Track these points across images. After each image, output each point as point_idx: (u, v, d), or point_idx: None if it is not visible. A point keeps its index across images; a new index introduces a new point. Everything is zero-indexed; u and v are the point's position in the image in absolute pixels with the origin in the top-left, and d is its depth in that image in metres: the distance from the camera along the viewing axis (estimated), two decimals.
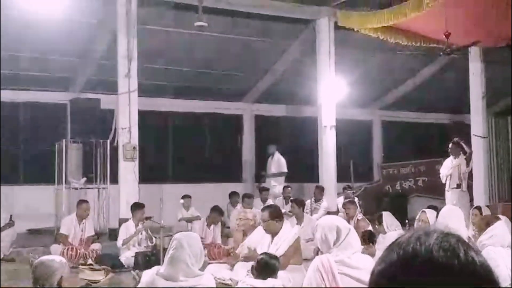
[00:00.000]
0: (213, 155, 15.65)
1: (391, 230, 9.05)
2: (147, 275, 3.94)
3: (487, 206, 10.22)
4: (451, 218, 6.24)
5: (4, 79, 12.95)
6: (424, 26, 10.67)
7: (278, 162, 14.23)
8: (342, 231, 3.73)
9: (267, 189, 13.26)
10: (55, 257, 4.13)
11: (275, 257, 5.42)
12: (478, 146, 13.12)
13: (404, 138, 17.72)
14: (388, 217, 9.45)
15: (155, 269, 3.89)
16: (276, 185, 13.90)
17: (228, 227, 11.56)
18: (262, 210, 7.46)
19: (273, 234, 7.11)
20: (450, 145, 11.75)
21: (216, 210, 10.47)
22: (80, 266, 8.09)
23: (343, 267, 3.69)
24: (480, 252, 1.02)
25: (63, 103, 13.42)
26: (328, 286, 3.61)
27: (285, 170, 14.19)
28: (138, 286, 4.01)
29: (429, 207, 9.10)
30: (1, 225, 10.44)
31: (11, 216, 10.75)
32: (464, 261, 0.98)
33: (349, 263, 3.71)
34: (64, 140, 11.98)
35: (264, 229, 7.14)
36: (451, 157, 11.64)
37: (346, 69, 13.40)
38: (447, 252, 0.98)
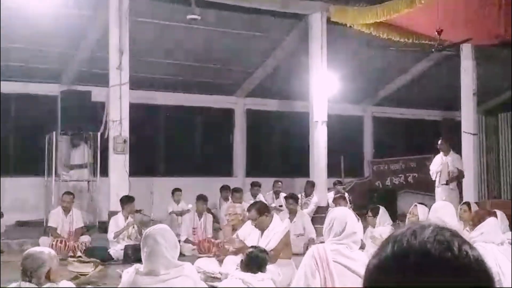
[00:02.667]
0: (204, 149, 15.63)
1: (382, 226, 9.10)
2: (128, 274, 3.93)
3: (476, 202, 10.27)
4: (444, 213, 6.28)
5: None
6: (416, 22, 10.70)
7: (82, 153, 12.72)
8: (348, 224, 3.88)
9: (259, 184, 13.26)
10: (44, 249, 4.11)
11: (265, 251, 5.43)
12: (469, 143, 13.20)
13: (395, 134, 17.77)
14: (383, 213, 9.49)
15: (134, 267, 3.87)
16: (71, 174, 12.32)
17: (218, 222, 11.57)
18: (248, 209, 7.47)
19: (263, 229, 7.13)
20: (440, 142, 11.80)
21: (200, 198, 10.51)
22: (69, 258, 8.07)
23: (338, 256, 3.78)
24: (474, 247, 1.02)
25: (54, 95, 13.33)
26: (322, 273, 3.67)
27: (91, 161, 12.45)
28: (119, 286, 3.99)
29: (421, 203, 9.15)
30: None
31: None
32: (459, 255, 0.98)
33: (344, 253, 3.80)
34: (54, 132, 11.91)
35: (255, 227, 7.16)
36: (441, 153, 11.69)
37: (338, 64, 13.41)
38: (441, 245, 0.98)
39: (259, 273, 5.00)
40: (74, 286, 4.09)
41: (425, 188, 13.90)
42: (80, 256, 8.30)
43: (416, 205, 7.55)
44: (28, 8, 10.94)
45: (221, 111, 15.96)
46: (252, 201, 10.86)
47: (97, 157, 11.90)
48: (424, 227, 1.03)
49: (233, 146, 16.11)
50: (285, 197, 11.08)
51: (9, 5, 10.97)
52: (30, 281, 3.79)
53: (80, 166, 12.39)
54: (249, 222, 7.48)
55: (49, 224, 9.92)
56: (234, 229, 8.15)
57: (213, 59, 14.10)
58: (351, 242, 3.91)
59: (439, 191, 11.57)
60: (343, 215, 3.96)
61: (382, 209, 9.46)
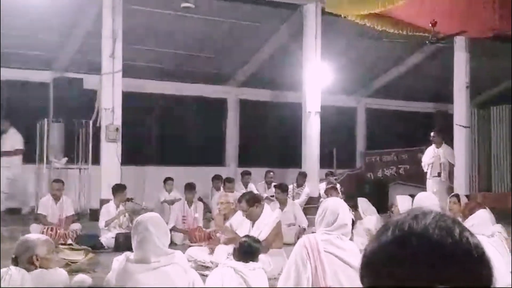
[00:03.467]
0: (196, 138, 15.58)
1: (367, 215, 9.16)
2: (118, 262, 3.92)
3: (467, 195, 10.32)
4: (426, 203, 6.30)
5: None
6: (411, 14, 10.67)
7: (12, 138, 12.33)
8: (340, 216, 3.90)
9: (249, 173, 13.26)
10: (37, 235, 4.11)
11: (258, 241, 5.44)
12: (461, 136, 13.24)
13: (388, 126, 17.80)
14: (363, 203, 9.54)
15: (124, 255, 3.86)
16: (10, 167, 11.96)
17: (210, 212, 11.57)
18: (239, 200, 7.48)
19: (254, 219, 7.14)
20: (432, 134, 11.83)
21: (188, 187, 10.50)
22: (60, 246, 8.04)
23: (329, 246, 3.80)
24: (474, 234, 1.02)
25: (46, 82, 13.26)
26: (313, 262, 3.70)
27: (21, 147, 12.11)
28: (110, 274, 3.98)
29: (410, 195, 9.19)
30: None
31: None
32: (459, 241, 0.99)
33: (335, 243, 3.83)
34: (46, 120, 11.85)
35: (246, 218, 7.16)
36: (433, 145, 11.73)
37: (332, 55, 13.39)
38: (442, 231, 0.98)
39: (251, 262, 5.00)
40: (66, 273, 4.07)
41: (417, 180, 13.94)
42: (70, 244, 8.28)
43: (397, 196, 7.67)
44: None
45: (214, 101, 15.92)
46: (243, 191, 10.91)
47: (88, 145, 11.85)
48: (425, 213, 1.03)
49: (225, 136, 16.09)
50: (274, 187, 11.10)
51: None
52: (22, 266, 3.79)
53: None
54: (239, 212, 7.50)
55: (38, 212, 9.89)
56: (226, 218, 8.16)
57: (206, 48, 14.04)
58: (342, 233, 3.93)
59: (430, 183, 11.62)
60: (335, 206, 3.97)
61: (360, 200, 9.50)
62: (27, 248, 3.85)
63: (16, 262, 3.83)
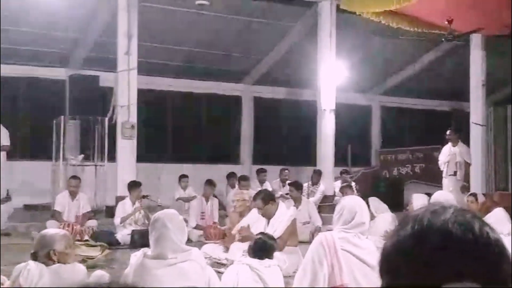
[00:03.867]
0: (211, 136, 15.63)
1: (379, 214, 9.11)
2: (136, 257, 3.94)
3: (484, 194, 10.25)
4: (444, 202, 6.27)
5: (3, 54, 12.87)
6: (427, 11, 10.62)
7: None
8: (358, 214, 3.90)
9: (265, 171, 13.26)
10: (56, 230, 4.15)
11: (273, 238, 5.45)
12: (477, 134, 13.14)
13: (403, 124, 17.72)
14: (374, 202, 9.48)
15: (142, 251, 3.89)
16: None
17: (225, 209, 11.59)
18: (254, 198, 7.49)
19: (270, 217, 7.15)
20: (448, 132, 11.77)
21: (208, 183, 10.53)
22: (76, 242, 8.10)
23: (346, 244, 3.79)
24: (495, 230, 1.02)
25: (62, 79, 13.35)
26: (329, 260, 3.69)
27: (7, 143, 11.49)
28: (127, 270, 4.01)
29: (426, 194, 9.14)
30: None
31: (8, 191, 10.77)
32: (479, 236, 0.98)
33: (352, 241, 3.81)
34: (62, 117, 11.93)
35: (262, 215, 7.17)
36: (449, 144, 11.67)
37: (347, 53, 13.34)
38: (462, 226, 0.98)
39: (266, 259, 5.01)
40: (84, 268, 4.10)
41: (432, 178, 13.86)
42: (87, 240, 8.34)
43: (413, 195, 7.64)
44: None
45: (229, 98, 15.94)
46: (258, 188, 10.92)
47: (104, 142, 11.91)
48: (444, 208, 1.02)
49: (240, 134, 16.10)
50: (289, 184, 11.09)
51: None
52: (40, 261, 3.83)
53: None
54: (254, 210, 7.50)
55: (54, 208, 9.96)
56: (242, 215, 8.16)
57: (221, 46, 14.06)
58: (359, 232, 3.91)
59: (446, 181, 11.56)
60: (353, 204, 3.96)
61: (370, 200, 9.44)
62: (45, 243, 3.89)
63: (35, 257, 3.87)
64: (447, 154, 11.62)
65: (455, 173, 11.46)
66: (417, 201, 7.36)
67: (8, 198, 10.58)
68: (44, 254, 3.85)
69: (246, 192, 9.01)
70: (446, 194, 7.10)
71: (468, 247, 0.96)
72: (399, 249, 1.00)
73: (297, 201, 10.21)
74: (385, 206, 9.31)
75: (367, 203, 9.04)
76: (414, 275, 0.96)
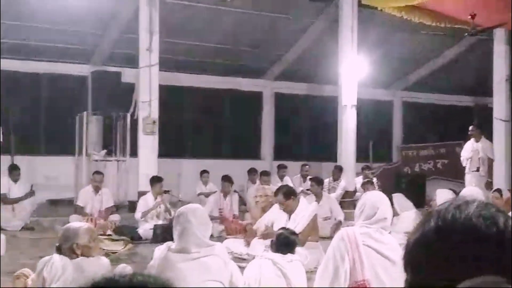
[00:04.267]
0: (232, 132, 15.66)
1: (403, 211, 9.06)
2: (160, 250, 3.98)
3: (508, 190, 10.14)
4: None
5: (27, 50, 13.04)
6: (449, 6, 10.52)
7: None
8: (380, 209, 3.86)
9: (285, 167, 13.26)
10: (80, 224, 4.19)
11: (295, 233, 5.45)
12: (500, 129, 12.98)
13: (425, 120, 17.58)
14: (399, 199, 9.42)
15: (166, 245, 3.92)
16: None
17: (245, 204, 11.61)
18: (275, 194, 7.51)
19: (291, 212, 7.16)
20: (471, 128, 11.66)
21: (226, 179, 10.54)
22: (100, 237, 8.19)
23: (368, 239, 3.78)
24: None
25: (85, 75, 13.47)
26: (351, 255, 3.68)
27: None
28: (151, 262, 4.05)
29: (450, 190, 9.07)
30: (22, 195, 10.61)
31: (31, 186, 10.91)
32: (504, 230, 0.97)
33: (374, 237, 3.79)
34: (85, 112, 12.04)
35: (283, 211, 7.19)
36: (472, 140, 11.56)
37: (368, 48, 13.27)
38: (486, 221, 0.97)
39: (288, 254, 5.02)
40: (108, 261, 4.14)
41: (455, 174, 13.74)
42: (110, 235, 8.42)
43: (438, 190, 7.57)
44: None
45: (250, 94, 15.95)
46: (279, 184, 10.93)
47: (126, 137, 12.01)
48: (468, 202, 1.02)
49: (261, 129, 16.11)
50: (310, 180, 11.08)
51: None
52: (64, 254, 3.88)
53: None
54: (276, 206, 7.52)
55: (77, 203, 10.07)
56: (264, 210, 8.19)
57: (242, 42, 14.07)
58: (381, 227, 3.90)
59: (469, 177, 11.47)
60: (375, 200, 3.95)
61: (396, 197, 9.37)
62: (69, 236, 3.93)
63: (59, 250, 3.92)
64: (470, 150, 11.51)
65: (478, 169, 11.35)
66: (441, 196, 7.30)
67: (32, 193, 10.72)
68: (68, 247, 3.90)
69: (268, 188, 9.03)
70: (475, 190, 7.02)
71: (492, 241, 0.96)
72: (422, 243, 1.00)
73: (318, 197, 10.19)
74: (409, 204, 9.25)
75: (391, 199, 9.03)
76: (438, 269, 0.96)
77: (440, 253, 0.97)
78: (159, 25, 11.11)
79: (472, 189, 7.46)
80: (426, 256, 0.99)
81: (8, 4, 11.38)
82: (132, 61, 11.75)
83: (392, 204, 8.92)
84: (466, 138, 11.92)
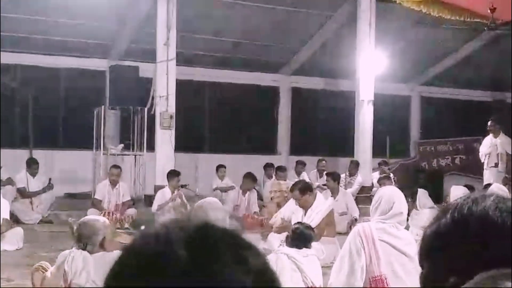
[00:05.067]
0: (248, 126, 15.66)
1: (422, 209, 9.04)
2: None
3: None
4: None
5: (46, 45, 13.14)
6: (468, 0, 10.42)
7: None
8: (395, 204, 3.87)
9: (303, 163, 13.23)
10: (99, 218, 4.22)
11: (310, 227, 5.45)
12: None
13: (443, 115, 17.44)
14: (422, 196, 9.39)
15: None
16: None
17: (262, 199, 11.62)
18: (291, 189, 7.51)
19: (307, 207, 7.16)
20: (489, 123, 11.55)
21: (249, 177, 10.54)
22: (117, 230, 8.24)
23: (384, 235, 3.78)
24: None
25: (103, 70, 13.56)
26: (367, 251, 3.68)
27: None
28: None
29: (465, 186, 9.00)
30: (41, 188, 10.72)
31: (50, 179, 11.01)
32: None
33: (390, 232, 3.79)
34: (102, 107, 12.12)
35: (299, 206, 7.19)
36: (491, 135, 11.45)
37: (386, 42, 13.18)
38: (503, 213, 0.96)
39: (304, 248, 5.02)
40: None
41: (473, 170, 13.63)
42: (127, 228, 8.48)
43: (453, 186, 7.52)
44: None
45: (267, 89, 15.94)
46: (295, 179, 10.92)
47: (144, 132, 12.07)
48: (485, 196, 1.01)
49: (277, 124, 16.09)
50: (326, 175, 11.05)
51: None
52: (84, 249, 3.90)
53: None
54: (292, 200, 7.52)
55: (95, 197, 10.15)
56: (279, 206, 8.19)
57: (259, 36, 14.05)
58: (397, 222, 3.90)
59: (487, 173, 11.36)
60: (391, 195, 3.94)
61: (420, 192, 9.34)
62: (98, 230, 3.93)
63: (83, 244, 3.93)
64: (488, 146, 11.40)
65: (496, 165, 11.24)
66: (455, 193, 7.25)
67: (50, 186, 10.83)
68: (94, 240, 3.92)
69: (284, 183, 9.03)
70: (501, 187, 6.96)
71: (509, 233, 0.95)
72: (439, 236, 1.00)
73: (334, 192, 10.18)
74: (431, 202, 9.23)
75: (415, 193, 8.99)
76: (454, 261, 0.96)
77: (456, 246, 0.96)
78: (176, 20, 11.13)
79: (498, 187, 7.40)
80: (442, 248, 0.99)
81: (28, 0, 11.48)
82: (149, 56, 11.79)
83: (415, 199, 8.92)
84: (484, 134, 11.80)
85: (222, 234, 0.80)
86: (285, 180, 10.83)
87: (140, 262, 0.75)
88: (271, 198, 9.17)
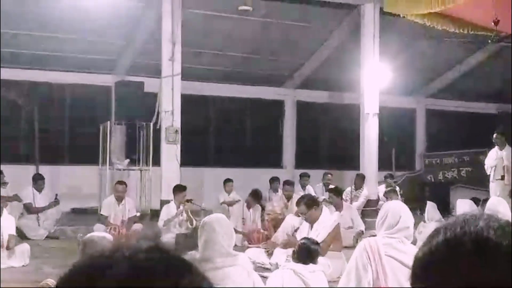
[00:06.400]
0: (254, 140, 15.68)
1: (430, 222, 9.02)
2: None
3: None
4: (499, 208, 6.15)
5: (52, 60, 13.23)
6: (472, 12, 10.44)
7: None
8: (402, 218, 3.86)
9: (308, 175, 13.21)
10: (105, 235, 4.22)
11: (317, 243, 5.44)
12: None
13: (448, 127, 17.42)
14: (431, 208, 9.36)
15: (190, 254, 3.94)
16: None
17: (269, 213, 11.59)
18: (297, 204, 7.51)
19: (313, 222, 7.15)
20: (495, 136, 11.52)
21: (254, 195, 10.49)
22: None
23: (391, 250, 3.76)
24: None
25: (108, 85, 13.62)
26: (374, 266, 3.67)
27: None
28: None
29: (472, 199, 8.98)
30: (47, 204, 10.73)
31: (56, 195, 11.03)
32: None
33: (396, 247, 3.78)
34: (108, 122, 12.15)
35: (305, 220, 7.18)
36: (496, 147, 11.42)
37: (390, 55, 13.21)
38: (497, 232, 0.96)
39: (311, 264, 5.01)
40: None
41: (479, 182, 13.57)
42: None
43: (459, 200, 7.47)
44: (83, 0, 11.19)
45: (271, 103, 15.97)
46: (301, 193, 10.91)
47: (149, 146, 12.09)
48: (476, 215, 1.01)
49: (283, 138, 16.10)
50: (328, 191, 11.00)
51: None
52: None
53: None
54: (289, 216, 7.53)
55: (101, 212, 10.14)
56: (275, 226, 8.23)
57: (263, 50, 14.11)
58: (403, 236, 3.88)
59: (494, 186, 11.31)
60: (397, 209, 3.93)
61: (429, 205, 9.32)
62: (92, 248, 3.93)
63: None
64: (494, 158, 11.37)
65: (502, 178, 11.19)
66: (461, 206, 7.21)
67: (56, 202, 10.84)
68: None
69: (277, 206, 9.04)
70: (501, 200, 6.92)
71: (504, 251, 0.94)
72: (432, 256, 0.99)
73: (338, 207, 10.14)
74: (439, 215, 9.21)
75: (425, 206, 8.97)
76: (449, 282, 0.95)
77: (451, 265, 0.96)
78: (181, 35, 11.19)
79: (498, 200, 7.36)
80: (436, 269, 0.98)
81: (34, 16, 11.58)
82: (155, 71, 11.84)
83: (424, 211, 8.90)
84: (490, 146, 11.78)
85: (163, 259, 0.86)
86: (291, 194, 10.82)
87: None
88: (267, 221, 9.24)
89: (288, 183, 11.65)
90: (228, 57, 14.12)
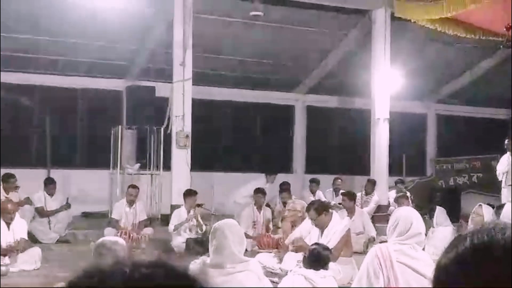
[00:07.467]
0: (264, 145, 15.68)
1: (439, 227, 8.97)
2: (195, 264, 4.01)
3: None
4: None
5: (63, 65, 13.32)
6: (484, 18, 10.42)
7: None
8: (413, 225, 3.86)
9: (317, 181, 13.18)
10: (117, 239, 4.23)
11: (328, 248, 5.43)
12: None
13: (459, 132, 17.35)
14: (440, 213, 9.31)
15: (201, 259, 3.95)
16: None
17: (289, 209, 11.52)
18: (307, 209, 7.47)
19: (323, 227, 7.12)
20: (506, 141, 11.45)
21: (259, 192, 10.51)
22: (134, 250, 8.27)
23: (402, 256, 3.76)
24: None
25: (119, 90, 13.68)
26: (385, 273, 3.67)
27: None
28: None
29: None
30: (58, 207, 10.78)
31: (67, 199, 11.07)
32: None
33: (408, 253, 3.78)
34: (119, 126, 12.20)
35: (315, 226, 7.16)
36: (508, 153, 11.35)
37: (401, 60, 13.19)
38: None
39: (321, 270, 5.00)
40: None
41: (491, 188, 13.49)
42: (144, 248, 8.49)
43: (480, 205, 7.31)
44: (95, 5, 11.26)
45: (282, 107, 15.97)
46: (311, 198, 10.88)
47: (160, 151, 12.13)
48: (503, 223, 1.01)
49: (293, 143, 16.10)
50: (342, 194, 10.98)
51: (76, 3, 11.33)
52: None
53: None
54: (308, 220, 7.48)
55: (112, 216, 10.17)
56: (293, 225, 8.16)
57: (274, 55, 14.13)
58: (415, 243, 3.88)
59: (505, 192, 11.23)
60: (408, 215, 3.92)
61: (438, 210, 9.26)
62: (116, 252, 3.92)
63: None
64: (506, 164, 11.29)
65: None
66: (486, 211, 7.07)
67: (67, 205, 10.89)
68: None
69: (298, 202, 8.99)
70: None
71: None
72: (459, 263, 0.99)
73: (351, 212, 10.09)
74: (448, 220, 9.16)
75: (431, 211, 8.92)
76: None
77: (479, 273, 0.95)
78: (192, 40, 11.23)
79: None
80: (463, 275, 0.97)
81: (45, 21, 11.67)
82: (166, 76, 11.89)
83: (432, 216, 8.84)
84: (502, 151, 11.71)
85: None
86: (290, 199, 10.78)
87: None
88: (282, 219, 9.14)
89: (284, 184, 11.65)
90: (240, 62, 14.15)
